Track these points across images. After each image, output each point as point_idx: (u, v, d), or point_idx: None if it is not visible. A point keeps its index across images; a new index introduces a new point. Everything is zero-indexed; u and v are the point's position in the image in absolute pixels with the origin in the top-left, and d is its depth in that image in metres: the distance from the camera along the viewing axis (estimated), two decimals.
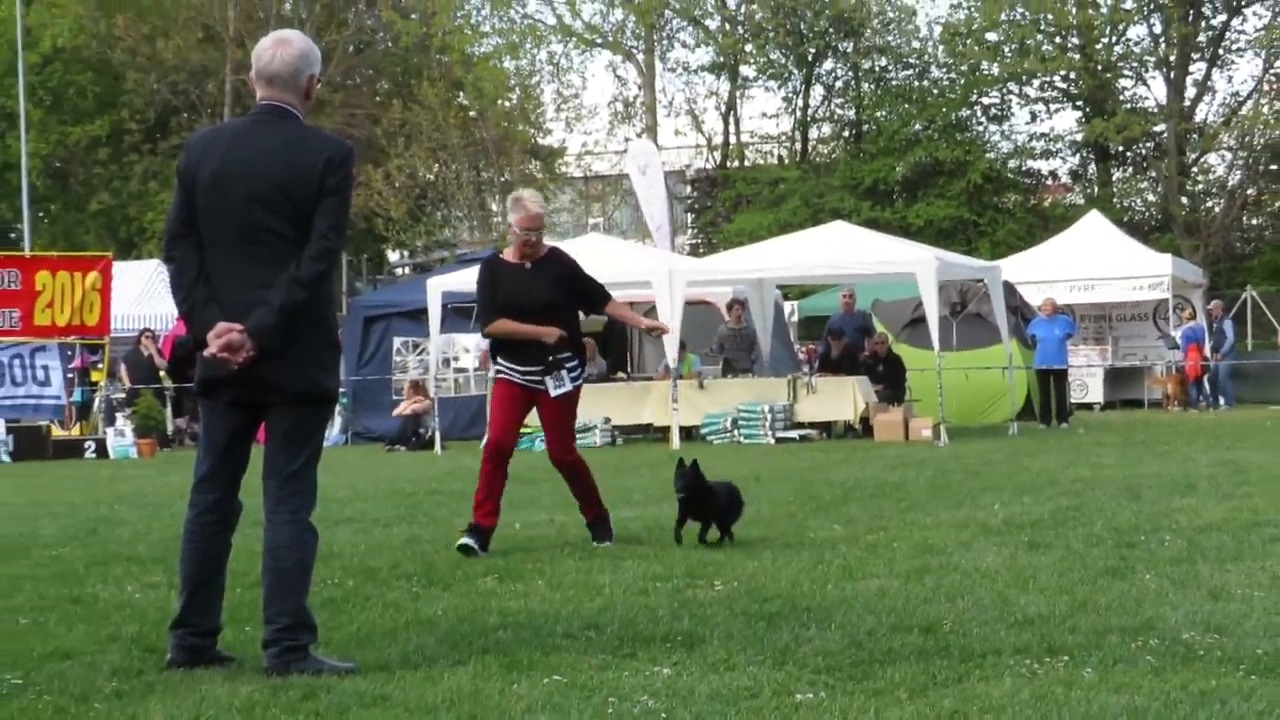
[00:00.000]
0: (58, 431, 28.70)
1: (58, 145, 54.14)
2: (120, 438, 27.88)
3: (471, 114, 52.65)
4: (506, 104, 54.75)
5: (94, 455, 27.45)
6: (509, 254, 11.49)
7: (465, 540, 10.94)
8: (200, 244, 7.06)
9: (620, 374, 30.02)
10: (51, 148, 53.93)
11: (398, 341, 31.05)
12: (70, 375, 30.00)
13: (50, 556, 11.55)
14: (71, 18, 52.33)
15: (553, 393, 11.22)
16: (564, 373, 11.23)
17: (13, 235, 55.63)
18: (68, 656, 7.37)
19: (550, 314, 11.20)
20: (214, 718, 6.06)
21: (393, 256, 59.55)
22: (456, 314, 28.31)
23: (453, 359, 30.14)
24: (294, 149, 7.02)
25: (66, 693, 6.56)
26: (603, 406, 27.15)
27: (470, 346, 29.66)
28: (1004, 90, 53.84)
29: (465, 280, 23.62)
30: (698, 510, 11.12)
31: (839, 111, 56.63)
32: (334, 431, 29.58)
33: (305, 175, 6.96)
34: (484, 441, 11.55)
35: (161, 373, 31.23)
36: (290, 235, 6.96)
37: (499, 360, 11.46)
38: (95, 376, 30.91)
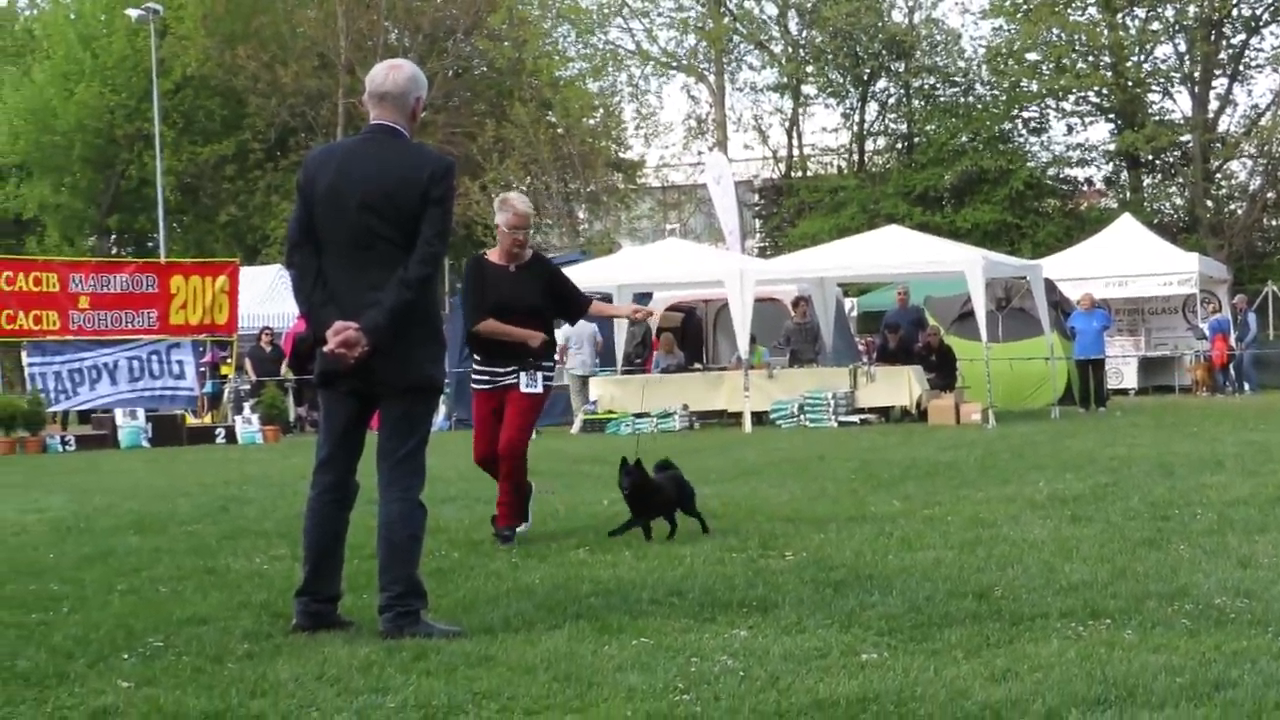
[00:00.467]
0: (191, 419, 28.92)
1: (189, 163, 54.56)
2: (247, 425, 28.06)
3: (559, 131, 52.66)
4: (591, 122, 54.77)
5: (224, 441, 27.64)
6: (494, 255, 10.70)
7: (504, 532, 10.48)
8: (318, 250, 7.08)
9: (697, 365, 30.01)
10: (184, 165, 54.36)
11: None
12: (202, 369, 30.23)
13: (186, 532, 11.63)
14: (199, 49, 52.75)
15: (523, 388, 10.50)
16: (539, 374, 10.55)
17: (150, 244, 56.18)
18: (203, 621, 7.42)
19: (533, 317, 10.55)
20: (335, 676, 6.07)
21: None
22: None
23: None
24: (401, 164, 7.04)
25: (203, 654, 6.61)
26: (681, 394, 27.18)
27: (559, 340, 29.61)
28: (1043, 105, 53.50)
29: None
30: (644, 506, 10.24)
31: (892, 126, 56.37)
32: (439, 418, 29.61)
33: (411, 187, 6.97)
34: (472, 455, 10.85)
35: (283, 366, 31.45)
36: (398, 241, 6.97)
37: (475, 363, 10.77)
38: (224, 370, 31.13)
